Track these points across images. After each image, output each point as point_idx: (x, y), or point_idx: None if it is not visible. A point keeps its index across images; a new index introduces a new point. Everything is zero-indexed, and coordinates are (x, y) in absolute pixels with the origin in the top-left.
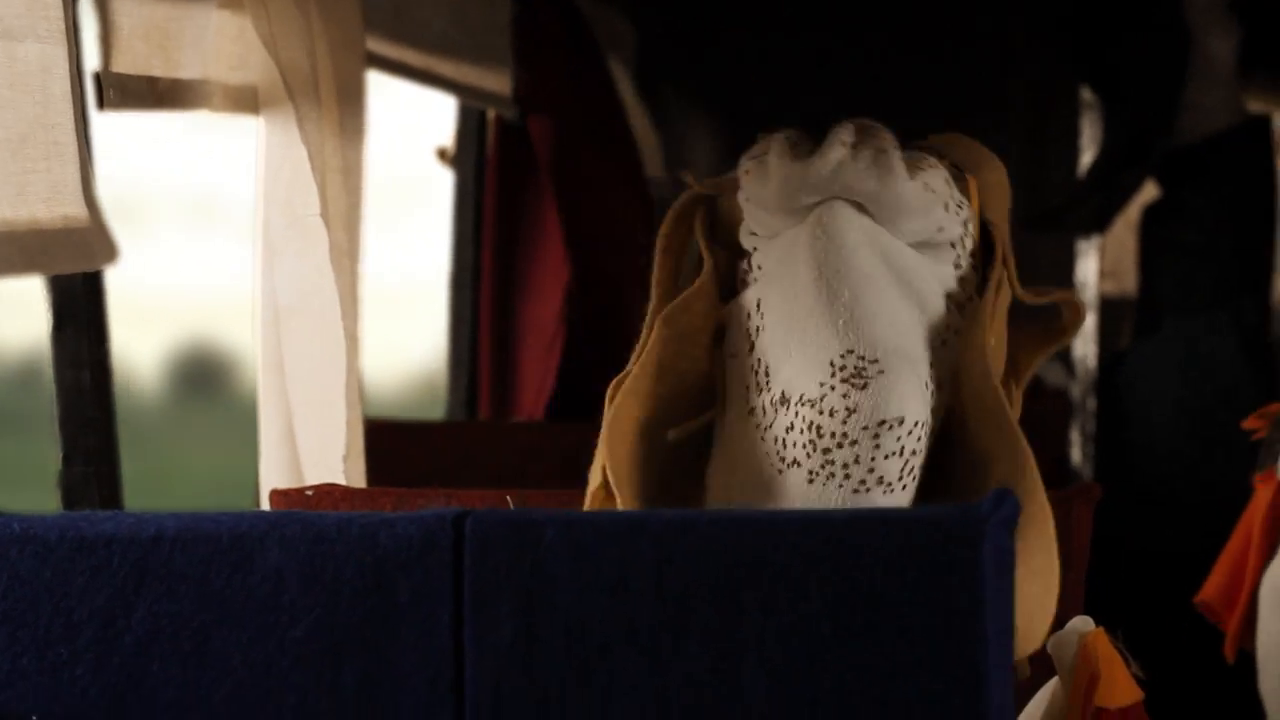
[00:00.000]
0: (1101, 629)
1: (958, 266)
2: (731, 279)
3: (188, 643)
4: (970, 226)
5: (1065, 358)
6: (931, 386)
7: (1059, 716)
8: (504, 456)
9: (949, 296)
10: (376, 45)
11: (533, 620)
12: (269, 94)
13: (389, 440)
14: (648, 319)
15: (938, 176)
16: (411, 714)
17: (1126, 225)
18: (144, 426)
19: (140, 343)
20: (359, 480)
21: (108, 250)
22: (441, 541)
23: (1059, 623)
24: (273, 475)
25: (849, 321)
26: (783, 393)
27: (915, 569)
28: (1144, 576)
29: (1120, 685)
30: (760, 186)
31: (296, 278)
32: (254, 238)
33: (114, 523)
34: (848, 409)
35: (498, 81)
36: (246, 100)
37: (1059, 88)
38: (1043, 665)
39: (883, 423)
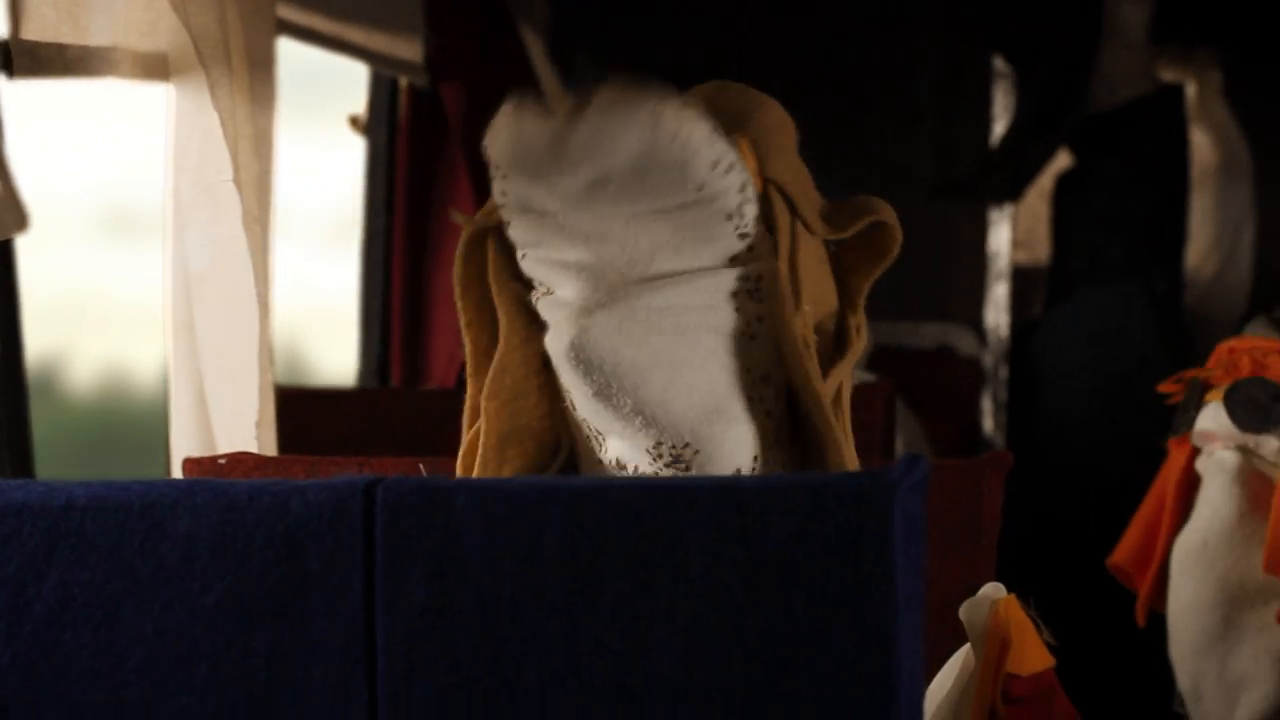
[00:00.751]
0: (1013, 596)
1: (743, 237)
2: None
3: (99, 611)
4: (749, 190)
5: (978, 326)
6: (756, 394)
7: (970, 683)
8: (416, 424)
9: (734, 295)
10: (287, 12)
11: (444, 587)
12: (180, 61)
13: (302, 407)
14: (469, 364)
15: (695, 130)
16: (323, 681)
17: (1039, 194)
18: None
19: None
20: (271, 448)
21: (18, 218)
22: (353, 509)
23: (971, 590)
24: (184, 443)
25: (644, 421)
26: (617, 460)
27: (826, 535)
28: (1056, 543)
29: (1031, 652)
30: (497, 144)
31: (208, 244)
32: (164, 204)
33: (24, 492)
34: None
35: (409, 49)
36: (157, 67)
37: (971, 57)
38: (955, 631)
39: None
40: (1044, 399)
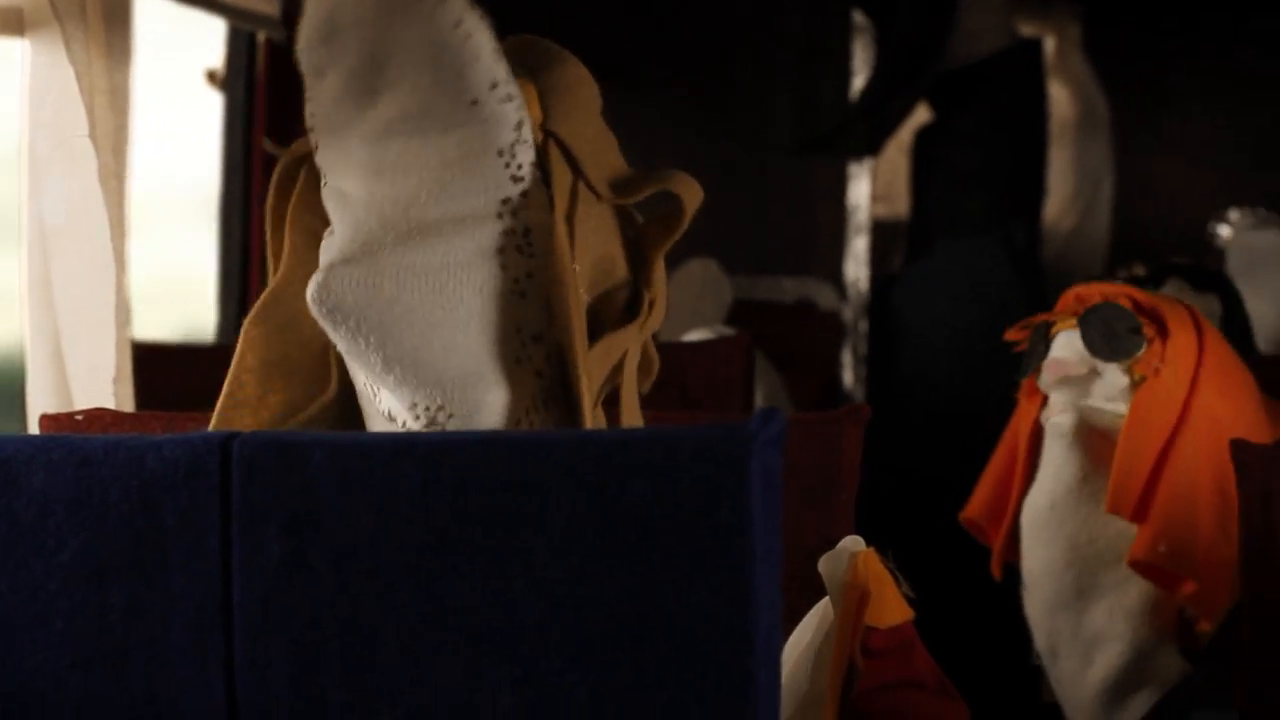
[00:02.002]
0: (872, 549)
1: (516, 181)
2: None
3: None
4: (526, 130)
5: (838, 280)
6: (525, 354)
7: (829, 636)
8: None
9: (500, 251)
10: None
11: (301, 542)
12: (35, 15)
13: (159, 363)
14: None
15: (480, 33)
16: (180, 637)
17: (899, 148)
18: None
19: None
20: (129, 404)
21: None
22: (208, 465)
23: (829, 543)
24: (41, 399)
25: (398, 379)
26: (389, 412)
27: (683, 488)
28: (915, 496)
29: (890, 604)
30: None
31: (64, 199)
32: (19, 160)
33: None
34: None
35: (266, 3)
36: (12, 22)
37: (831, 11)
38: (814, 585)
39: None
40: (904, 352)
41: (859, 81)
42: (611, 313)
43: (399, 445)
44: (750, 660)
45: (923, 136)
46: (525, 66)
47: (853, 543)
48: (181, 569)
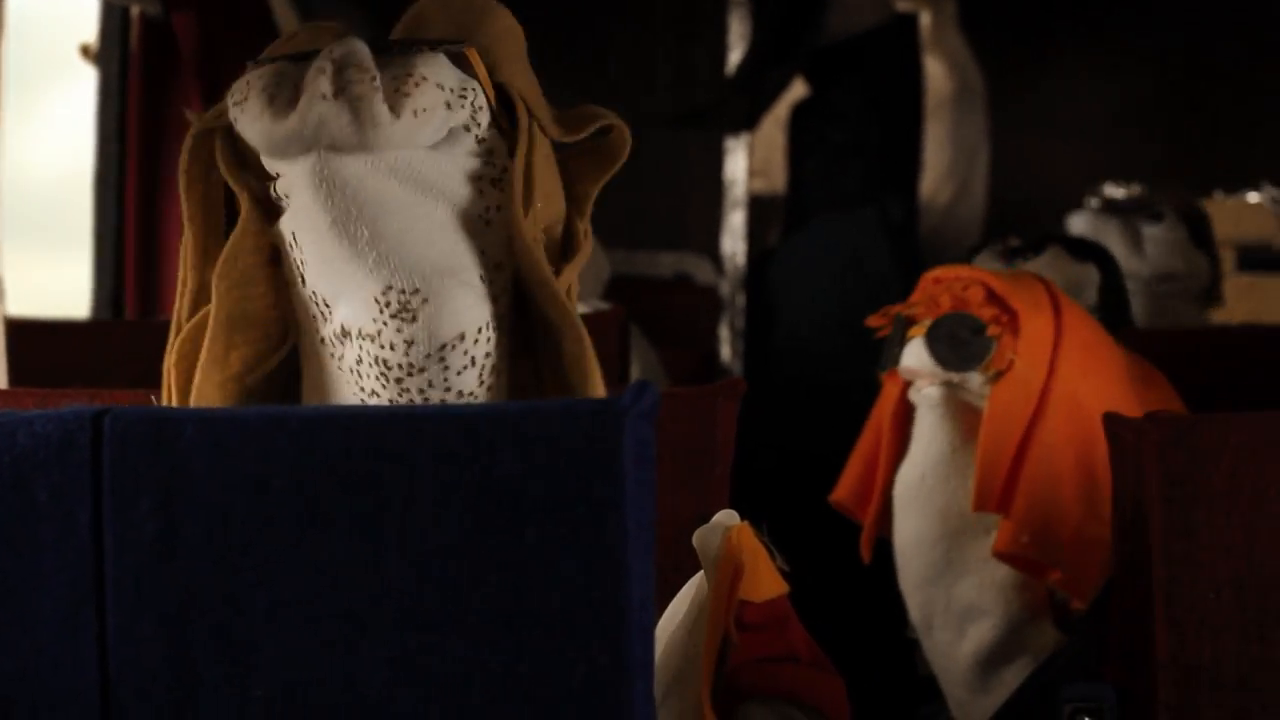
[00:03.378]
0: (746, 523)
1: (480, 142)
2: (270, 201)
3: None
4: (481, 101)
5: (715, 255)
6: (487, 277)
7: (703, 609)
8: (150, 356)
9: (477, 178)
10: None
11: (173, 518)
12: None
13: (33, 340)
14: (189, 259)
15: (428, 91)
16: (53, 614)
17: (775, 123)
18: None
19: None
20: (1, 380)
21: None
22: (80, 440)
23: (704, 517)
24: None
25: (378, 259)
26: (342, 326)
27: (556, 461)
28: (791, 470)
29: (764, 578)
30: (247, 134)
31: None
32: None
33: None
34: (406, 341)
35: None
36: None
37: None
38: (688, 559)
39: (444, 345)
40: (781, 327)
41: (735, 56)
42: (553, 248)
43: (271, 419)
44: (623, 633)
45: (799, 111)
46: (456, 25)
47: (727, 517)
48: (53, 545)
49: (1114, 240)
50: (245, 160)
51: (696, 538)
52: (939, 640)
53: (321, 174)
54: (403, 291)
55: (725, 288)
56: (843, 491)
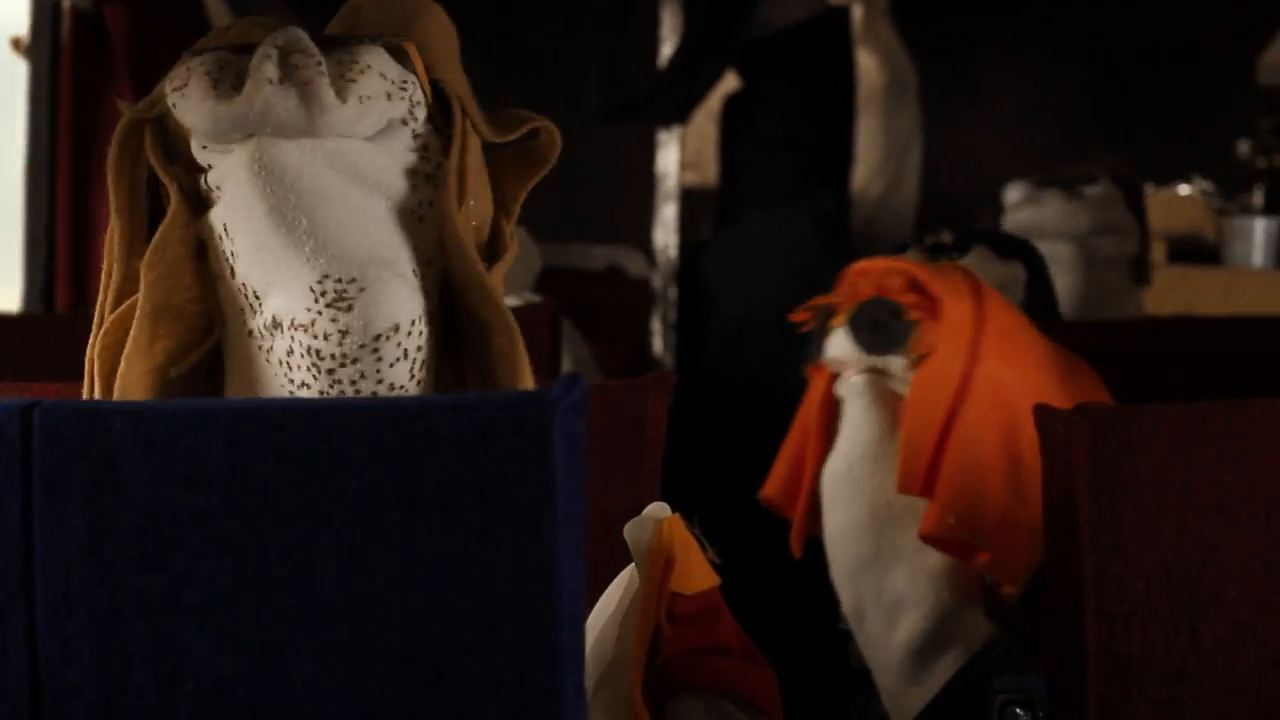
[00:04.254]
0: (677, 515)
1: (416, 137)
2: (198, 194)
3: None
4: (419, 95)
5: (647, 248)
6: (419, 271)
7: (635, 602)
8: (82, 349)
9: (412, 173)
10: None
11: (103, 512)
12: None
13: None
14: (115, 250)
15: (371, 79)
16: None
17: (708, 116)
18: None
19: None
20: None
21: None
22: (9, 433)
23: (635, 510)
24: None
25: (315, 248)
26: (274, 317)
27: (486, 454)
28: (723, 462)
29: (696, 571)
30: (187, 119)
31: None
32: None
33: None
34: (340, 331)
35: None
36: None
37: None
38: (620, 551)
39: (378, 336)
40: (713, 319)
41: (667, 49)
42: (481, 249)
43: (202, 413)
44: (554, 626)
45: (731, 104)
46: (392, 21)
47: (658, 509)
48: None
49: (1053, 200)
50: (174, 152)
51: (627, 530)
52: (871, 631)
53: (261, 160)
54: (339, 280)
55: (657, 280)
56: (771, 489)
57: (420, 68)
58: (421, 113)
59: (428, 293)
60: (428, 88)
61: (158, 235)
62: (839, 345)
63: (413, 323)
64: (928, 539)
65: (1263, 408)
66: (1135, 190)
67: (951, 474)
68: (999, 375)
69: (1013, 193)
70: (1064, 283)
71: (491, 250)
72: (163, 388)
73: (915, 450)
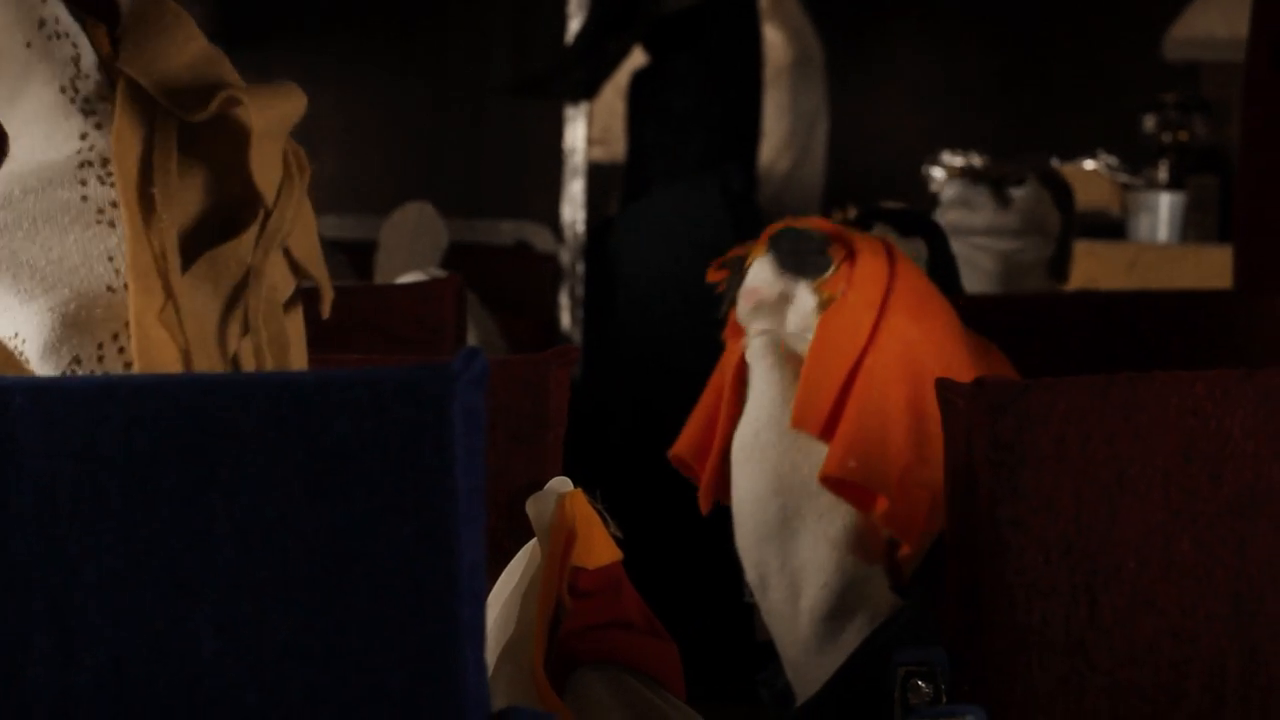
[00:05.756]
0: (579, 490)
1: (87, 114)
2: None
3: None
4: (84, 65)
5: (555, 223)
6: (115, 285)
7: (537, 577)
8: None
9: (87, 182)
10: None
11: (3, 487)
12: None
13: None
14: None
15: None
16: None
17: (615, 91)
18: None
19: None
20: None
21: None
22: None
23: (537, 484)
24: None
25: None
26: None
27: (385, 428)
28: (633, 437)
29: (598, 545)
30: None
31: None
32: None
33: None
34: None
35: None
36: None
37: None
38: (522, 526)
39: None
40: (621, 295)
41: (575, 24)
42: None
43: (101, 388)
44: (454, 600)
45: (638, 79)
46: (106, 6)
47: (560, 484)
48: None
49: (983, 203)
50: None
51: (529, 505)
52: (774, 600)
53: None
54: (17, 335)
55: (565, 256)
56: (681, 446)
57: (103, 46)
58: (89, 88)
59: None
60: (115, 69)
61: None
62: (756, 274)
63: (115, 335)
64: (828, 481)
65: (1161, 380)
66: (1064, 190)
67: (854, 419)
68: (908, 333)
69: (948, 190)
70: (984, 288)
71: (233, 226)
72: None
73: (816, 389)
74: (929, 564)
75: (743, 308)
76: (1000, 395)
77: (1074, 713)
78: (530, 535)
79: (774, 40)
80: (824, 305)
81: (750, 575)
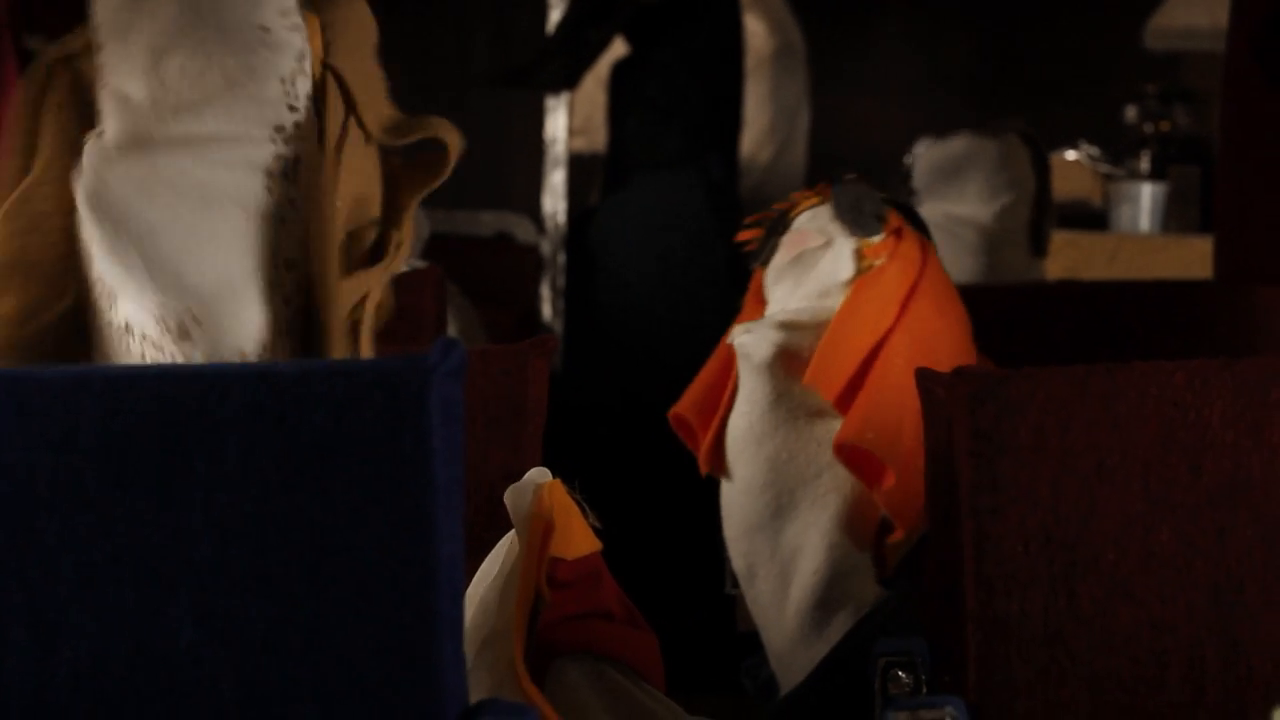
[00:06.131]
0: (558, 480)
1: (292, 110)
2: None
3: None
4: (306, 64)
5: (536, 214)
6: (278, 277)
7: (516, 568)
8: None
9: (269, 174)
10: None
11: None
12: None
13: None
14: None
15: None
16: None
17: (596, 82)
18: None
19: None
20: None
21: None
22: None
23: (516, 475)
24: None
25: (154, 281)
26: (126, 323)
27: (363, 420)
28: (614, 427)
29: (577, 535)
30: None
31: None
32: None
33: None
34: (185, 356)
35: None
36: None
37: None
38: (500, 517)
39: (224, 360)
40: (602, 285)
41: (556, 14)
42: (359, 251)
43: (76, 379)
44: (432, 592)
45: (620, 70)
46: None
47: (539, 474)
48: None
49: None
50: (74, 102)
51: (508, 496)
52: (763, 589)
53: (95, 204)
54: (179, 315)
55: (546, 247)
56: (684, 406)
57: (316, 46)
58: (306, 84)
59: (287, 300)
60: (317, 68)
61: (22, 188)
62: (808, 219)
63: (263, 346)
64: (842, 450)
65: (1141, 370)
66: (1040, 154)
67: (874, 390)
68: (933, 322)
69: (919, 146)
70: (968, 263)
71: (375, 254)
72: (10, 343)
73: (837, 354)
74: (913, 557)
75: (782, 258)
76: (979, 385)
77: (1053, 703)
78: (509, 526)
79: (755, 31)
80: (860, 271)
81: (738, 565)
